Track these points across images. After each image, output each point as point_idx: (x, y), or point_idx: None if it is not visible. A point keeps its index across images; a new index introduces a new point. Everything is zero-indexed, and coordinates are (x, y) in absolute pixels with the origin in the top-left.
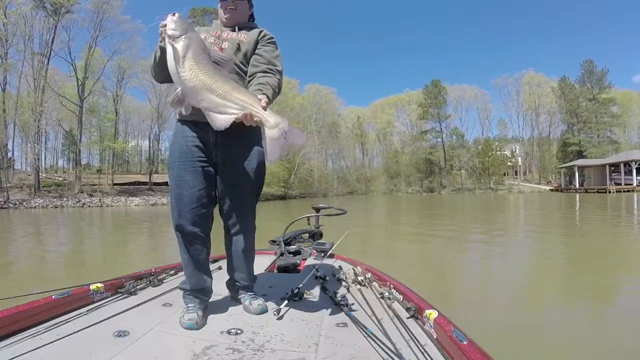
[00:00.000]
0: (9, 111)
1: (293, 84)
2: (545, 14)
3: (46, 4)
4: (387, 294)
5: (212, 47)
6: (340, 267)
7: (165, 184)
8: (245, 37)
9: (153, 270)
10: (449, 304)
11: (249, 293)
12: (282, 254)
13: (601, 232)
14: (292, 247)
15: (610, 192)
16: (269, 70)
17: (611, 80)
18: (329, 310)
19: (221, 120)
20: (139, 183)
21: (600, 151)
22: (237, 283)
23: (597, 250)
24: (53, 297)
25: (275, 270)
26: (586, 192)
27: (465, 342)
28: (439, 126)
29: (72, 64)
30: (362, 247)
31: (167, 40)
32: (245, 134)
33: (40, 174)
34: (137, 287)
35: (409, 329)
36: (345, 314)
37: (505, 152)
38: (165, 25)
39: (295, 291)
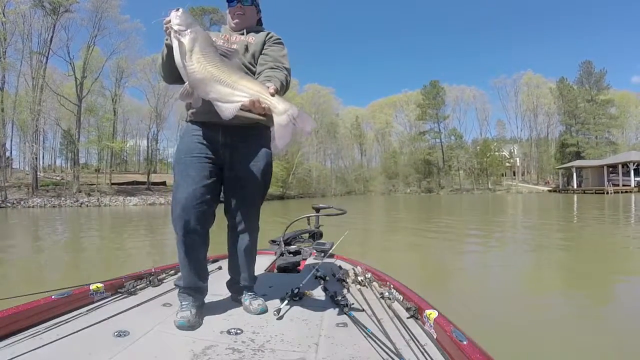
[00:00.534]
0: (7, 110)
1: (292, 83)
2: (545, 15)
3: (45, 2)
4: (387, 294)
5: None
6: (340, 267)
7: (163, 183)
8: (253, 39)
9: (153, 270)
10: (444, 302)
11: (249, 293)
12: (282, 254)
13: (599, 230)
14: (292, 247)
15: (608, 192)
16: (276, 67)
17: (610, 81)
18: (329, 310)
19: (229, 108)
20: (137, 183)
21: (598, 152)
22: (237, 283)
23: (594, 248)
24: (53, 297)
25: (275, 270)
26: (584, 193)
27: (465, 342)
28: (437, 127)
29: (70, 63)
30: (359, 247)
31: (173, 35)
32: (254, 135)
33: (38, 173)
34: (137, 287)
35: (409, 329)
36: (345, 314)
37: (504, 153)
38: (170, 22)
39: (295, 291)
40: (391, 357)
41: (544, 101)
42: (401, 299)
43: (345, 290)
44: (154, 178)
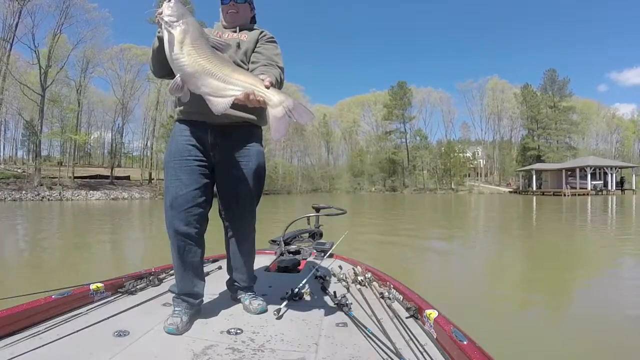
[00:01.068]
0: None
1: None
2: (514, 24)
3: None
4: (387, 293)
5: None
6: (340, 267)
7: (127, 178)
8: (246, 37)
9: (153, 270)
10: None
11: (249, 293)
12: (282, 254)
13: (554, 227)
14: (292, 247)
15: (565, 195)
16: (269, 64)
17: (576, 89)
18: (329, 310)
19: (221, 103)
20: (101, 177)
21: (558, 156)
22: (236, 283)
23: (549, 246)
24: (53, 297)
25: (276, 270)
26: (543, 194)
27: (465, 342)
28: (403, 127)
29: (35, 51)
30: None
31: (163, 26)
32: (244, 134)
33: None
34: (137, 287)
35: (408, 329)
36: (345, 313)
37: (468, 154)
38: (162, 13)
39: (295, 291)
40: (391, 357)
41: (508, 105)
42: (401, 299)
43: (345, 290)
44: (118, 172)
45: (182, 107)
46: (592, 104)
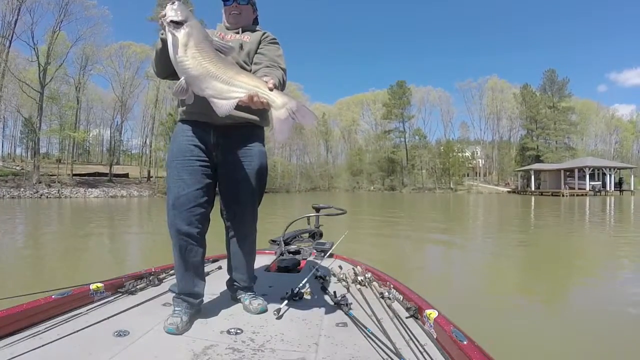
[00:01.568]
0: None
1: None
2: (514, 25)
3: None
4: (387, 293)
5: None
6: (340, 267)
7: (126, 175)
8: (249, 38)
9: (153, 270)
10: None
11: (249, 293)
12: (282, 254)
13: (553, 227)
14: (292, 247)
15: (564, 195)
16: (272, 66)
17: (576, 89)
18: (329, 310)
19: (225, 105)
20: (99, 174)
21: (557, 156)
22: (236, 283)
23: (548, 246)
24: (53, 296)
25: (276, 270)
26: (541, 194)
27: (465, 342)
28: (402, 126)
29: (34, 48)
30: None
31: (167, 29)
32: (246, 134)
33: None
34: (137, 286)
35: (408, 329)
36: (345, 313)
37: (467, 154)
38: (165, 15)
39: (295, 291)
40: (391, 357)
41: (507, 106)
42: (401, 299)
43: (345, 290)
44: (117, 170)
45: (184, 107)
46: (591, 104)
